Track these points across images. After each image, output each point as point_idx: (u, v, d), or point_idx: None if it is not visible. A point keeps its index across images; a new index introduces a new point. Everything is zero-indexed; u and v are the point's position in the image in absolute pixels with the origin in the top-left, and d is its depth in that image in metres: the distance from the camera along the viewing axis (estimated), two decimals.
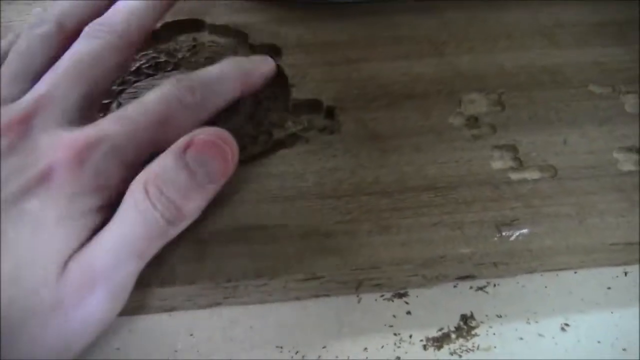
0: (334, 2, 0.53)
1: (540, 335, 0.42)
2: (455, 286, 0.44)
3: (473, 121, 0.46)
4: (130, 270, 0.36)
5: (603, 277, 0.45)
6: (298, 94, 0.48)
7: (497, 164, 0.44)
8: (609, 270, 0.45)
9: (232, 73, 0.43)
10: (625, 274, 0.45)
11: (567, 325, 0.42)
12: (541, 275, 0.44)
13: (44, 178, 0.35)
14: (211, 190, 0.39)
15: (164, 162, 0.37)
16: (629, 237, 0.42)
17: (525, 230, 0.42)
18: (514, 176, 0.44)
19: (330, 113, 0.47)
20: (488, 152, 0.45)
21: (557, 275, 0.44)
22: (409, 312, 0.43)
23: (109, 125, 0.38)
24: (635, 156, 0.45)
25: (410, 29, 0.52)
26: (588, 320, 0.43)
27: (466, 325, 0.42)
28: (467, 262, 0.42)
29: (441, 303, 0.44)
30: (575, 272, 0.45)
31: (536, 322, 0.43)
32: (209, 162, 0.38)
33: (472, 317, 0.42)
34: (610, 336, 0.42)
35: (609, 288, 0.44)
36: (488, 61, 0.50)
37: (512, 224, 0.42)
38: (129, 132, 0.38)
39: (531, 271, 0.44)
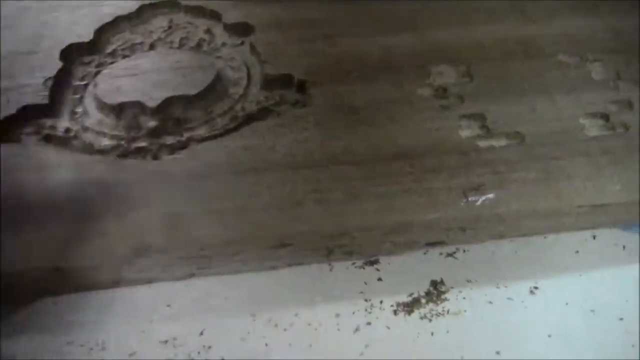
0: None
1: (509, 299, 0.43)
2: (425, 253, 0.45)
3: (441, 92, 0.47)
4: None
5: (572, 241, 0.46)
6: (270, 69, 0.48)
7: (465, 133, 0.45)
8: (578, 234, 0.46)
9: None
10: (594, 237, 0.45)
11: (536, 288, 0.43)
12: (510, 241, 0.45)
13: None
14: None
15: None
16: (595, 199, 0.43)
17: (491, 195, 0.42)
18: (482, 144, 0.45)
19: (301, 87, 0.47)
20: (456, 122, 0.46)
21: (526, 240, 0.45)
22: (380, 279, 0.44)
23: None
24: (601, 121, 0.45)
25: (390, 11, 0.53)
26: (557, 283, 0.44)
27: (436, 290, 0.43)
28: (436, 227, 0.42)
29: (412, 269, 0.44)
30: (545, 237, 0.45)
31: (505, 286, 0.43)
32: None
33: (442, 282, 0.43)
34: (578, 298, 0.43)
35: (577, 252, 0.45)
36: (463, 35, 0.51)
37: (479, 189, 0.43)
38: None
39: (500, 237, 0.44)
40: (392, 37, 0.50)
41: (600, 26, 0.51)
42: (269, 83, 0.48)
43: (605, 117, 0.46)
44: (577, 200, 0.43)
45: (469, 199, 0.42)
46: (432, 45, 0.50)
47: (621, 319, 0.42)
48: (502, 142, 0.45)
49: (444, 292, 0.43)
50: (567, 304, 0.43)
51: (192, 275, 0.42)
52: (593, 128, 0.46)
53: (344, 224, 0.42)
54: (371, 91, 0.47)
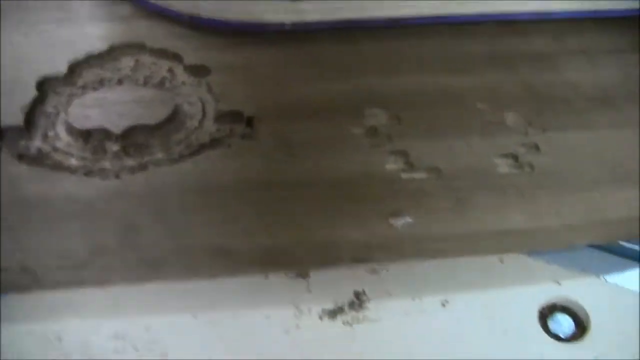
0: (261, 31, 0.60)
1: (422, 310, 0.49)
2: (351, 269, 0.50)
3: (373, 131, 0.53)
4: None
5: (481, 263, 0.52)
6: (223, 106, 0.55)
7: (390, 166, 0.51)
8: (488, 258, 0.52)
9: None
10: (501, 261, 0.51)
11: (446, 302, 0.49)
12: (426, 261, 0.51)
13: None
14: None
15: None
16: (501, 226, 0.49)
17: (410, 220, 0.48)
18: (405, 176, 0.51)
19: (250, 123, 0.54)
20: (383, 157, 0.52)
21: (440, 261, 0.51)
22: (309, 290, 0.49)
23: None
24: (510, 161, 0.52)
25: (328, 55, 0.59)
26: (465, 298, 0.49)
27: (358, 300, 0.48)
28: (361, 246, 0.48)
29: (338, 282, 0.50)
30: (456, 259, 0.51)
31: (420, 299, 0.49)
32: None
33: (364, 293, 0.49)
34: (483, 312, 0.49)
35: (485, 273, 0.51)
36: (393, 83, 0.57)
37: (400, 214, 0.49)
38: None
39: (417, 256, 0.50)
40: (332, 82, 0.56)
41: (515, 80, 0.58)
42: (221, 118, 0.54)
43: (515, 157, 0.52)
44: (484, 227, 0.49)
45: (391, 222, 0.48)
46: (367, 91, 0.56)
47: (517, 328, 0.48)
48: (422, 175, 0.51)
49: (365, 302, 0.48)
50: (473, 317, 0.48)
51: (142, 279, 0.47)
52: (503, 166, 0.52)
53: (279, 239, 0.47)
54: (310, 129, 0.53)
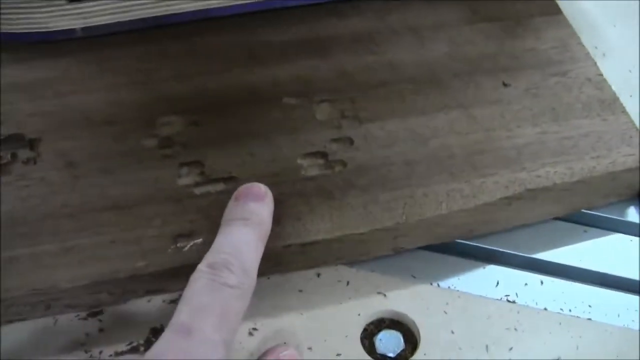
0: (49, 40, 0.54)
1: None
2: (149, 301, 0.45)
3: (166, 141, 0.47)
4: None
5: (296, 280, 0.47)
6: (4, 129, 0.49)
7: (183, 181, 0.46)
8: (303, 273, 0.47)
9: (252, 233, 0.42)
10: (318, 275, 0.46)
11: (255, 329, 0.44)
12: None
13: None
14: None
15: None
16: (305, 238, 0.45)
17: (199, 240, 0.43)
18: (198, 190, 0.46)
19: (32, 145, 0.48)
20: (176, 170, 0.46)
21: None
22: (101, 330, 0.44)
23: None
24: (320, 161, 0.46)
25: (122, 59, 0.53)
26: (276, 323, 0.45)
27: (155, 338, 0.43)
28: (144, 274, 0.43)
29: (134, 318, 0.45)
30: (268, 278, 0.45)
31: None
32: None
33: (162, 329, 0.43)
34: (297, 337, 0.44)
35: (300, 290, 0.45)
36: (190, 85, 0.51)
37: (189, 235, 0.43)
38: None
39: None
40: (119, 90, 0.51)
41: (328, 67, 0.52)
42: (5, 142, 0.48)
43: (325, 156, 0.47)
44: (284, 241, 0.44)
45: (178, 245, 0.43)
46: (161, 97, 0.50)
47: (338, 354, 0.42)
48: (219, 187, 0.46)
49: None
50: (285, 342, 0.43)
51: None
52: (311, 168, 0.47)
53: (53, 277, 0.42)
54: (93, 146, 0.48)
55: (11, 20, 0.53)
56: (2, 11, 0.52)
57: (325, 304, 0.46)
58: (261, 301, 0.45)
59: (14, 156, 0.48)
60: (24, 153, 0.48)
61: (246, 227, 0.40)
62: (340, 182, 0.46)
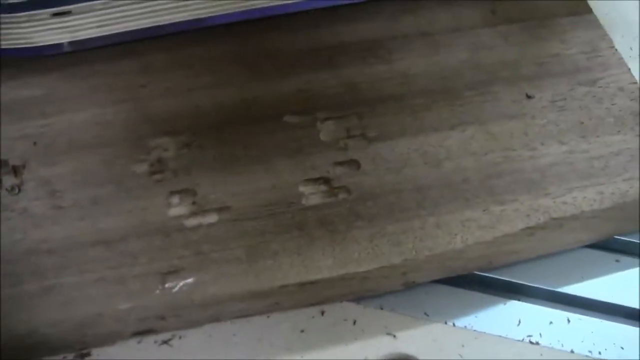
0: (37, 55, 0.50)
1: None
2: (139, 342, 0.42)
3: (158, 166, 0.44)
4: None
5: (298, 319, 0.43)
6: None
7: (174, 211, 0.43)
8: (305, 311, 0.43)
9: None
10: (322, 313, 0.42)
11: None
12: (231, 323, 0.42)
13: None
14: None
15: None
16: (303, 276, 0.40)
17: (190, 280, 0.40)
18: (189, 222, 0.42)
19: (16, 172, 0.45)
20: (166, 199, 0.43)
21: (248, 320, 0.42)
22: None
23: None
24: (322, 187, 0.43)
25: (109, 75, 0.49)
26: None
27: None
28: (128, 317, 0.39)
29: None
30: (268, 317, 0.42)
31: None
32: None
33: None
34: None
35: (302, 331, 0.41)
36: (182, 102, 0.47)
37: (178, 273, 0.40)
38: None
39: (215, 319, 0.42)
40: (108, 108, 0.47)
41: (334, 79, 0.48)
42: None
43: (328, 182, 0.43)
44: (279, 280, 0.40)
45: (167, 285, 0.40)
46: (150, 116, 0.46)
47: None
48: (212, 218, 0.42)
49: None
50: None
51: None
52: (313, 196, 0.43)
53: (33, 321, 0.40)
54: (78, 172, 0.44)
55: None
56: None
57: (329, 346, 0.42)
58: (259, 342, 0.42)
59: None
60: (8, 180, 0.45)
61: None
62: (344, 212, 0.42)
